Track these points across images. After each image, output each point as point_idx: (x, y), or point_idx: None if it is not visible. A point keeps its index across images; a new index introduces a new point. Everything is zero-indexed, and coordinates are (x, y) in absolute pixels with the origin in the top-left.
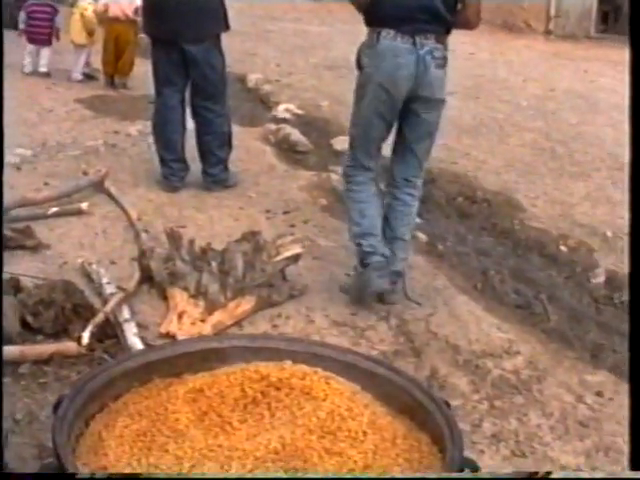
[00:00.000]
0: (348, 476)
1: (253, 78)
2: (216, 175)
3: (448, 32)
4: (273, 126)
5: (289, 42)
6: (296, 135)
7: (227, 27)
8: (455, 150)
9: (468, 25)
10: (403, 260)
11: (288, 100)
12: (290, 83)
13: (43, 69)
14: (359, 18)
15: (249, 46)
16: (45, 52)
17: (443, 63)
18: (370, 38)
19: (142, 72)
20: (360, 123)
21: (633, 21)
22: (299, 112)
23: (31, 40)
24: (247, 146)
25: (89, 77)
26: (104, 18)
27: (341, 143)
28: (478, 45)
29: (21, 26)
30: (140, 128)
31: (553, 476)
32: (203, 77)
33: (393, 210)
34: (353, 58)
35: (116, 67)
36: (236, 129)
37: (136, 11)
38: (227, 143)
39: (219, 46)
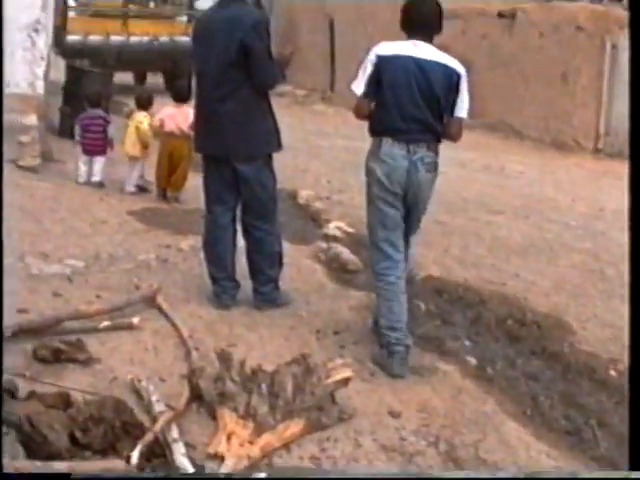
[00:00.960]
0: (361, 476)
1: (304, 195)
2: (266, 294)
3: (439, 140)
4: (324, 244)
5: (340, 158)
6: (346, 254)
7: (279, 146)
8: (504, 271)
9: (450, 138)
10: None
11: (339, 218)
12: (341, 200)
13: (97, 179)
14: None
15: (300, 162)
16: (99, 163)
17: (432, 168)
18: (374, 145)
19: (194, 186)
20: (375, 218)
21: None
22: (349, 230)
23: (85, 151)
24: (298, 264)
25: (142, 189)
26: (160, 132)
27: None
28: (527, 163)
29: (76, 137)
30: (192, 243)
31: (550, 476)
32: (254, 196)
33: None
34: None
35: (169, 181)
36: (287, 247)
37: (191, 126)
38: (278, 262)
39: (270, 165)
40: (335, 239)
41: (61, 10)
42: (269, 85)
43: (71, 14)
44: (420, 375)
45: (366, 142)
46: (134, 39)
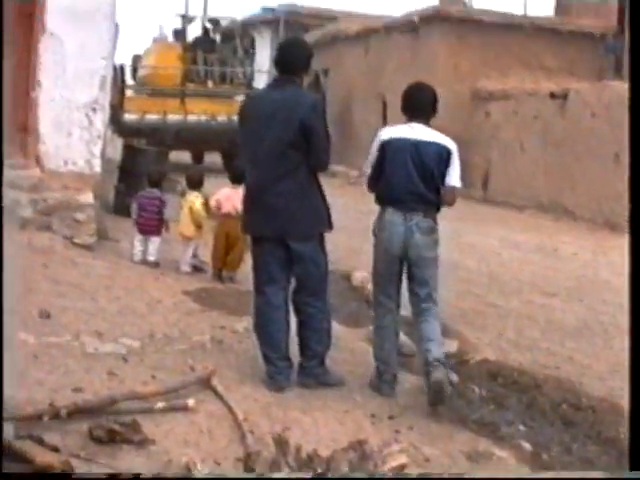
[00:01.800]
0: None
1: (358, 276)
2: (310, 368)
3: (438, 209)
4: None
5: None
6: (401, 337)
7: (331, 225)
8: (558, 354)
9: (446, 204)
10: (438, 351)
11: None
12: None
13: (152, 258)
14: (459, 212)
15: (354, 243)
16: (154, 242)
17: (429, 232)
18: (379, 214)
19: (249, 266)
20: (378, 273)
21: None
22: (403, 312)
23: (141, 230)
24: (352, 347)
25: (197, 269)
26: (216, 213)
27: (447, 346)
28: (580, 244)
29: (133, 216)
30: (246, 325)
31: (547, 476)
32: (308, 274)
33: (422, 327)
34: (457, 258)
35: (225, 261)
36: (341, 329)
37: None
38: (326, 339)
39: (323, 244)
40: None
41: (119, 89)
42: (326, 165)
43: (129, 93)
44: (475, 461)
45: None
46: (192, 118)
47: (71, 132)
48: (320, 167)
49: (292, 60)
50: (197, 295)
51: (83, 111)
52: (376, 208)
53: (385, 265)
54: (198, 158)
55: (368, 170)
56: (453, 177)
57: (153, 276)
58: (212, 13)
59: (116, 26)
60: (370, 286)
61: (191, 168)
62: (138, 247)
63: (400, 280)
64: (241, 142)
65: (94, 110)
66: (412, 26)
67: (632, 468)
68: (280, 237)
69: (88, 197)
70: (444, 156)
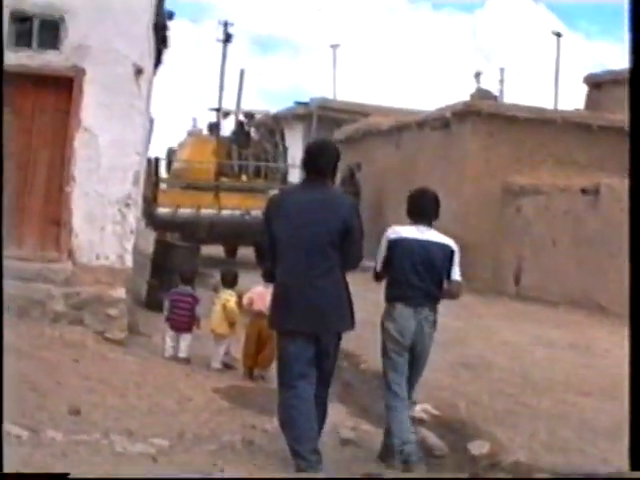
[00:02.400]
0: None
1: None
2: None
3: (437, 302)
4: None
5: None
6: (432, 439)
7: (353, 325)
8: (592, 455)
9: (451, 297)
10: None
11: (424, 400)
12: (426, 382)
13: (183, 355)
14: (496, 312)
15: None
16: (185, 339)
17: (433, 324)
18: (389, 307)
19: None
20: (389, 365)
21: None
22: (435, 412)
23: (173, 327)
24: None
25: (228, 367)
26: (249, 311)
27: (478, 447)
28: (613, 341)
29: (165, 312)
30: (277, 425)
31: (545, 476)
32: (330, 369)
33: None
34: (490, 356)
35: (256, 360)
36: (372, 429)
37: None
38: (323, 424)
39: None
40: (421, 422)
41: (153, 182)
42: (359, 263)
43: (162, 186)
44: None
45: (448, 319)
46: (225, 212)
47: (104, 227)
48: (355, 265)
49: (322, 163)
50: (228, 393)
51: (116, 206)
52: None
53: (397, 356)
54: (231, 252)
55: (378, 267)
56: (457, 273)
57: (184, 373)
58: (246, 107)
59: (151, 121)
60: None
61: (226, 263)
62: (169, 343)
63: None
64: (271, 239)
65: (127, 205)
66: (444, 121)
67: (632, 468)
68: (315, 333)
69: (120, 292)
70: (448, 255)
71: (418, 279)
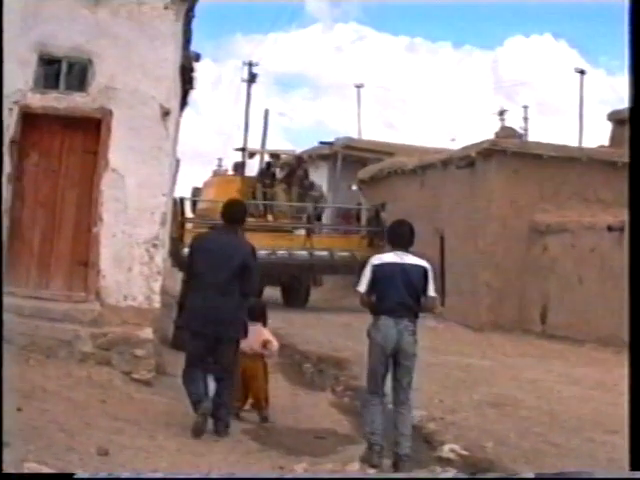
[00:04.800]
0: (348, 476)
1: (417, 415)
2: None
3: (416, 314)
4: (438, 468)
5: (452, 376)
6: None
7: (246, 333)
8: None
9: (427, 310)
10: (407, 447)
11: (453, 440)
12: (454, 421)
13: (210, 395)
14: (522, 350)
15: (413, 381)
16: (213, 381)
17: (412, 333)
18: (374, 320)
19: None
20: (372, 368)
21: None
22: (464, 453)
23: None
24: None
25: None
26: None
27: None
28: None
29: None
30: (305, 465)
31: (547, 476)
32: (225, 362)
33: (398, 420)
34: (517, 395)
35: (244, 401)
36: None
37: (264, 345)
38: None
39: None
40: (449, 462)
41: (178, 222)
42: (254, 292)
43: (188, 226)
44: None
45: (475, 358)
46: None
47: (131, 267)
48: (250, 292)
49: (236, 216)
50: (256, 433)
51: (143, 247)
52: (435, 345)
53: (379, 360)
54: (257, 293)
55: (362, 289)
56: (432, 289)
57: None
58: (270, 146)
59: (177, 161)
60: (430, 425)
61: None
62: None
63: (387, 373)
64: (191, 268)
65: (155, 246)
66: (469, 160)
67: (632, 468)
68: (217, 335)
69: (147, 332)
70: (423, 274)
71: (399, 296)
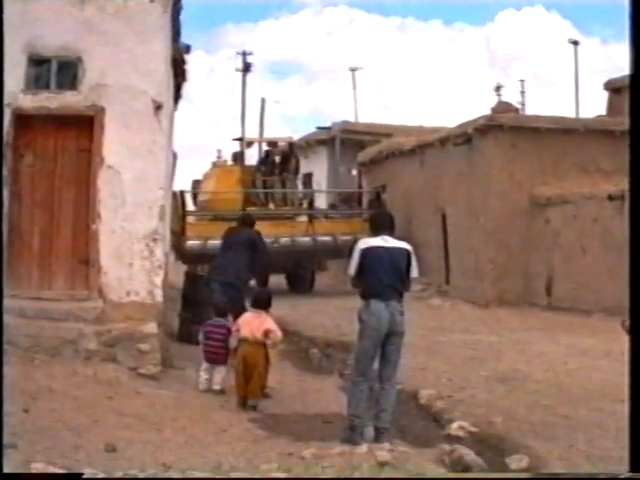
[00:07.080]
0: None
1: (425, 394)
2: None
3: (402, 295)
4: (447, 446)
5: (459, 354)
6: (471, 456)
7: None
8: None
9: (407, 290)
10: (387, 422)
11: (461, 417)
12: (462, 399)
13: (217, 387)
14: (529, 324)
15: (420, 360)
16: (219, 371)
17: (402, 313)
18: (365, 304)
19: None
20: (364, 350)
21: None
22: (473, 429)
23: (207, 359)
24: (423, 469)
25: (264, 396)
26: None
27: (517, 462)
28: None
29: (201, 343)
30: (313, 451)
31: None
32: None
33: (382, 395)
34: (524, 368)
35: (247, 389)
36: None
37: (266, 334)
38: None
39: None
40: (458, 440)
41: (180, 216)
42: (264, 262)
43: (190, 219)
44: None
45: (482, 335)
46: None
47: (132, 263)
48: (262, 262)
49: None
50: (264, 422)
51: (143, 242)
52: (441, 323)
53: (373, 342)
54: (263, 282)
55: (352, 271)
56: (415, 271)
57: (218, 404)
58: (268, 134)
59: (174, 155)
60: (439, 404)
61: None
62: (203, 376)
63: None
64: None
65: (154, 240)
66: (466, 137)
67: (632, 468)
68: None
69: (151, 327)
70: (406, 256)
71: (387, 278)
